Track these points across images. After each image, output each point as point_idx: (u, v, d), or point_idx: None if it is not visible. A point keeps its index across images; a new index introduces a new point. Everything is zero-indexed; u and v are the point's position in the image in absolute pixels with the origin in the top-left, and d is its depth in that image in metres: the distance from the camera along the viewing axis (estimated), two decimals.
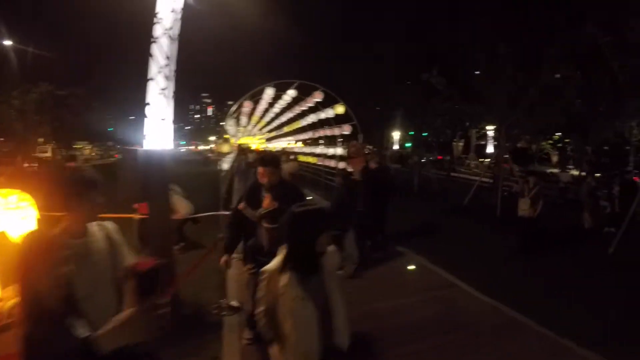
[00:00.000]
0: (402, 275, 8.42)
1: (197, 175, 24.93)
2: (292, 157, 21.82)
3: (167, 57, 5.60)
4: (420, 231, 12.73)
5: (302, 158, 28.03)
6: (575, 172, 27.28)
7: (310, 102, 19.75)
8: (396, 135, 47.41)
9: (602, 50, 11.31)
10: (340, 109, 18.81)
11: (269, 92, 19.61)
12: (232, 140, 31.12)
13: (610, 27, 10.77)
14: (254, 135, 34.26)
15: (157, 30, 5.58)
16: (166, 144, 5.64)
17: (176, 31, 5.78)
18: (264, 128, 32.88)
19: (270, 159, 4.90)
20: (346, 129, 19.41)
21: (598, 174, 22.40)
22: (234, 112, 23.12)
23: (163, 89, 5.56)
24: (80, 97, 38.78)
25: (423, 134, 31.89)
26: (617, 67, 11.24)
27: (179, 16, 5.78)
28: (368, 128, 26.75)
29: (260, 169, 4.78)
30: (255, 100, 21.46)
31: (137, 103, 6.28)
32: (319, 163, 22.99)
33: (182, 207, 9.50)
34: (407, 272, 8.61)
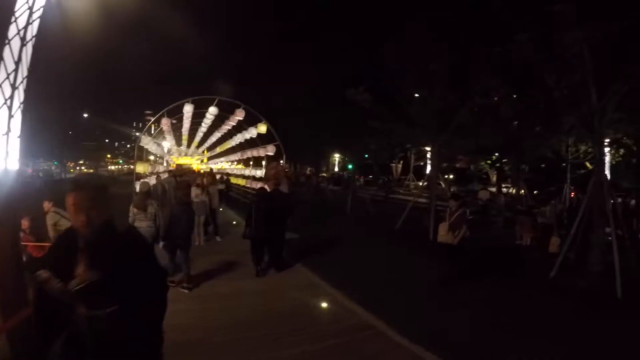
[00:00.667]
0: (310, 314, 7.19)
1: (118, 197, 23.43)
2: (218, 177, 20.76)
3: (17, 62, 4.65)
4: (341, 258, 11.45)
5: (234, 180, 27.01)
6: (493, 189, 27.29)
7: (232, 121, 18.69)
8: (337, 157, 47.07)
9: (535, 66, 10.70)
10: (262, 128, 17.77)
11: (187, 109, 18.35)
12: (173, 159, 29.77)
13: (543, 42, 10.13)
14: (192, 155, 33.00)
15: (11, 31, 4.66)
16: (10, 163, 4.63)
17: (31, 33, 4.86)
18: (200, 148, 31.78)
19: (86, 180, 2.75)
20: (270, 150, 18.35)
21: (535, 192, 22.29)
22: (150, 129, 21.80)
23: (7, 99, 4.60)
24: None
25: (365, 156, 31.11)
26: (553, 83, 10.60)
27: (37, 16, 4.87)
28: (299, 149, 25.87)
29: (69, 199, 2.49)
30: (178, 117, 20.23)
31: None
32: (247, 185, 21.82)
33: None
34: (317, 309, 7.42)
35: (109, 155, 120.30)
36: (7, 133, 4.61)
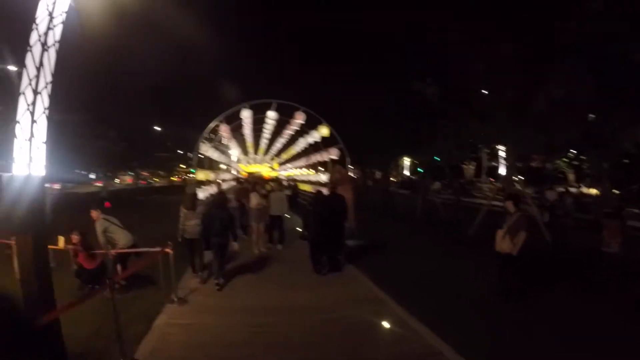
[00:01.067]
0: (369, 334, 6.32)
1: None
2: (285, 183, 20.46)
3: (38, 68, 4.51)
4: (406, 268, 10.36)
5: (301, 186, 26.79)
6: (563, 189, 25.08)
7: (294, 125, 18.22)
8: (407, 160, 45.80)
9: (616, 40, 9.37)
10: (324, 131, 17.13)
11: (245, 114, 18.00)
12: (242, 167, 29.82)
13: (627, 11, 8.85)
14: (261, 162, 33.01)
15: (33, 37, 4.74)
16: (36, 169, 4.62)
17: (53, 38, 4.70)
18: (267, 155, 31.75)
19: None
20: (333, 153, 17.65)
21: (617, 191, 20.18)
22: (209, 136, 21.59)
23: (30, 104, 4.46)
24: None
25: (435, 158, 29.52)
26: None
27: (59, 22, 4.72)
28: (365, 152, 24.96)
29: None
30: (237, 124, 19.97)
31: None
32: (313, 191, 21.29)
33: (120, 237, 8.29)
34: (377, 328, 6.52)
35: (183, 166, 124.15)
36: (30, 139, 4.52)
